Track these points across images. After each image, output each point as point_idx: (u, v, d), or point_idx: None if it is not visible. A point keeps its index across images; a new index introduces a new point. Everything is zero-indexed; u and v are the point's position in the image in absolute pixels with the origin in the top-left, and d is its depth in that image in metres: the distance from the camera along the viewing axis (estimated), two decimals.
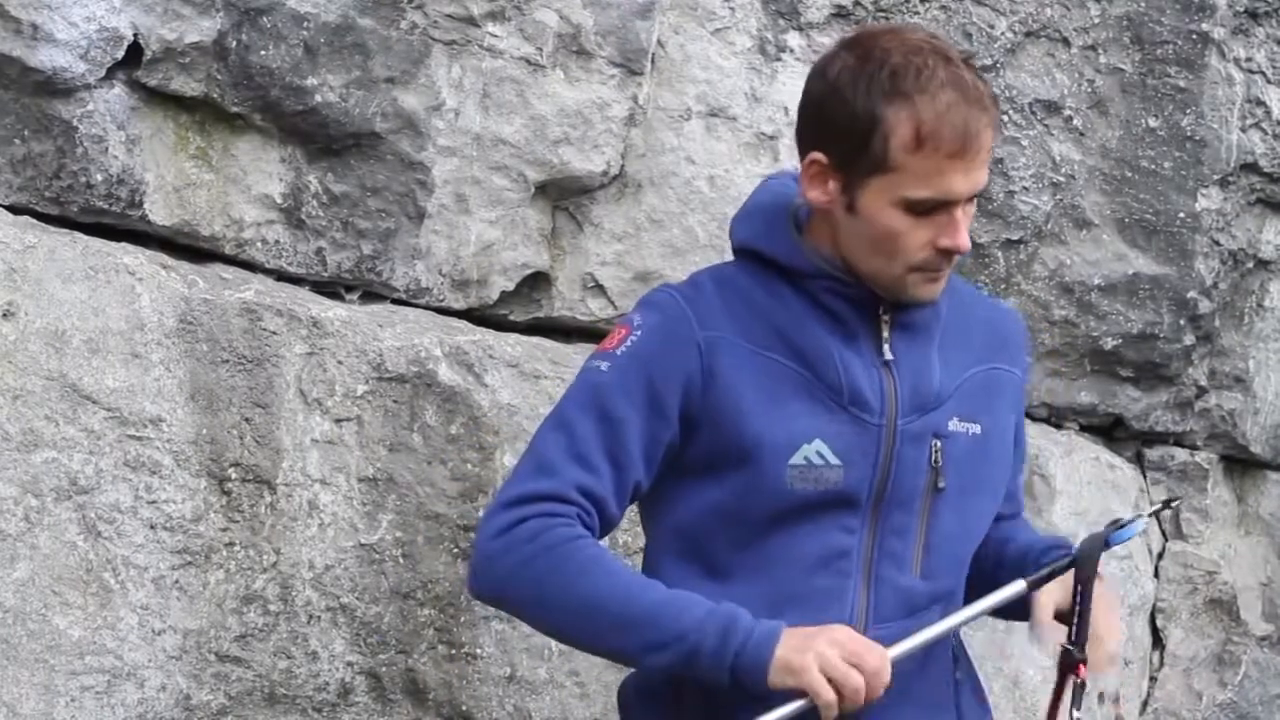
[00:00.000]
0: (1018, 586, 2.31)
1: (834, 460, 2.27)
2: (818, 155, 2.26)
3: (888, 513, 2.30)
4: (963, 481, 2.34)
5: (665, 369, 2.28)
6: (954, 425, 2.34)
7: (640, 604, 2.18)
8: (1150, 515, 2.34)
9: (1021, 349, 2.49)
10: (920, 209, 2.22)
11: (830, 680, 2.13)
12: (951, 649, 2.42)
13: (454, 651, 2.94)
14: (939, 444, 2.32)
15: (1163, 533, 3.84)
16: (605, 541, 2.35)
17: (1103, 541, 2.31)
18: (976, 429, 2.36)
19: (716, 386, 2.28)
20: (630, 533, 3.06)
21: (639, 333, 2.31)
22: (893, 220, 2.23)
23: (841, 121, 2.23)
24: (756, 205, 2.43)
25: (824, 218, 2.31)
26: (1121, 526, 2.32)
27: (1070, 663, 2.30)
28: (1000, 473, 2.43)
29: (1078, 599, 2.30)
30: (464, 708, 2.96)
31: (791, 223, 2.36)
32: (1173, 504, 2.40)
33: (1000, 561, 2.47)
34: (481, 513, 2.80)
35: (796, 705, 2.16)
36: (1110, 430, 3.79)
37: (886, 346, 2.31)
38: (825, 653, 2.13)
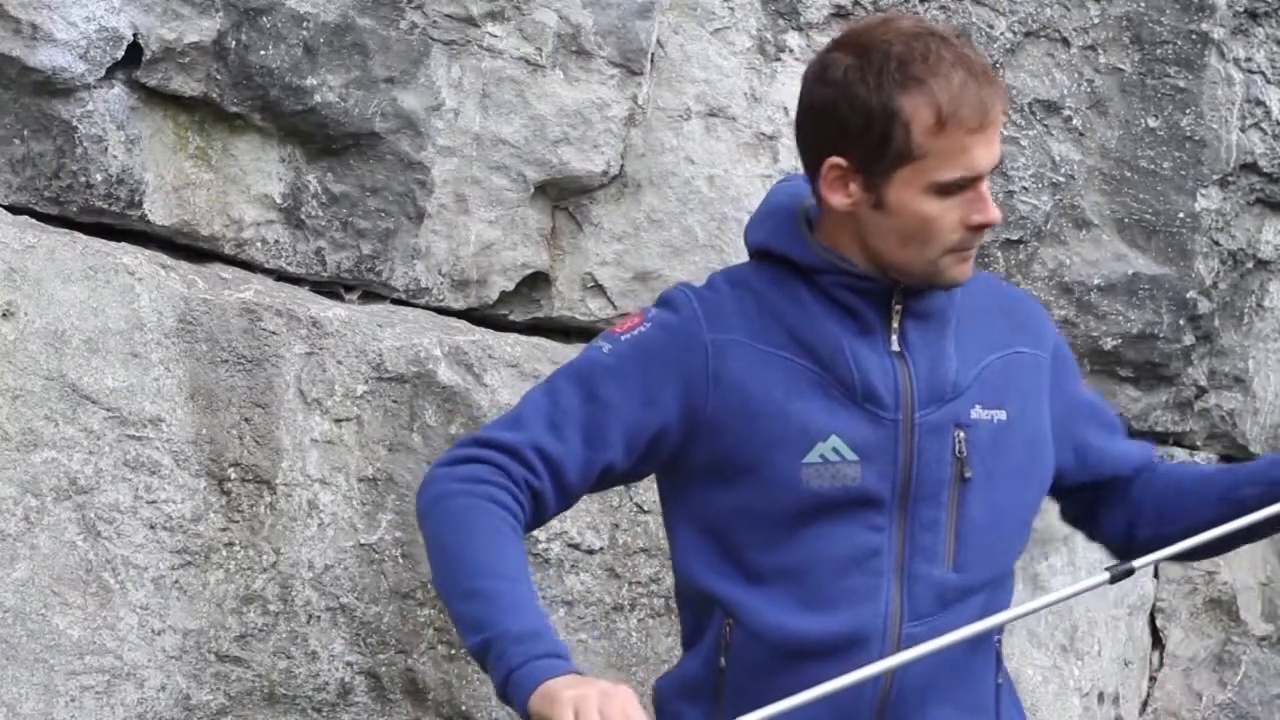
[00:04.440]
0: (1099, 578, 2.28)
1: (850, 455, 2.26)
2: (836, 160, 2.25)
3: (915, 508, 2.29)
4: (990, 469, 2.32)
5: (665, 365, 2.28)
6: (976, 413, 2.32)
7: (495, 584, 2.15)
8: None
9: (1043, 329, 2.46)
10: (949, 190, 2.22)
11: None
12: (995, 652, 2.40)
13: (454, 651, 2.94)
14: (962, 434, 2.31)
15: None
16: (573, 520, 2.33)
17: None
18: (1002, 415, 2.34)
19: (724, 388, 2.28)
20: (629, 532, 3.06)
21: (648, 325, 2.32)
22: (925, 207, 2.23)
23: (857, 121, 2.22)
24: (769, 208, 2.42)
25: (839, 217, 2.30)
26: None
27: None
28: (1036, 458, 2.40)
29: None
30: (463, 708, 2.96)
31: (803, 222, 2.35)
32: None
33: (1185, 496, 2.45)
34: None
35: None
36: None
37: (895, 337, 2.30)
38: (587, 696, 2.02)
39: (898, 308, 2.30)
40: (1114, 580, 2.28)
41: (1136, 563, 2.28)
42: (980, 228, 2.26)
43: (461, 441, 2.32)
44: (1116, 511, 2.53)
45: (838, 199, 2.27)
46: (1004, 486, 2.35)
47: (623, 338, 2.31)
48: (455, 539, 2.19)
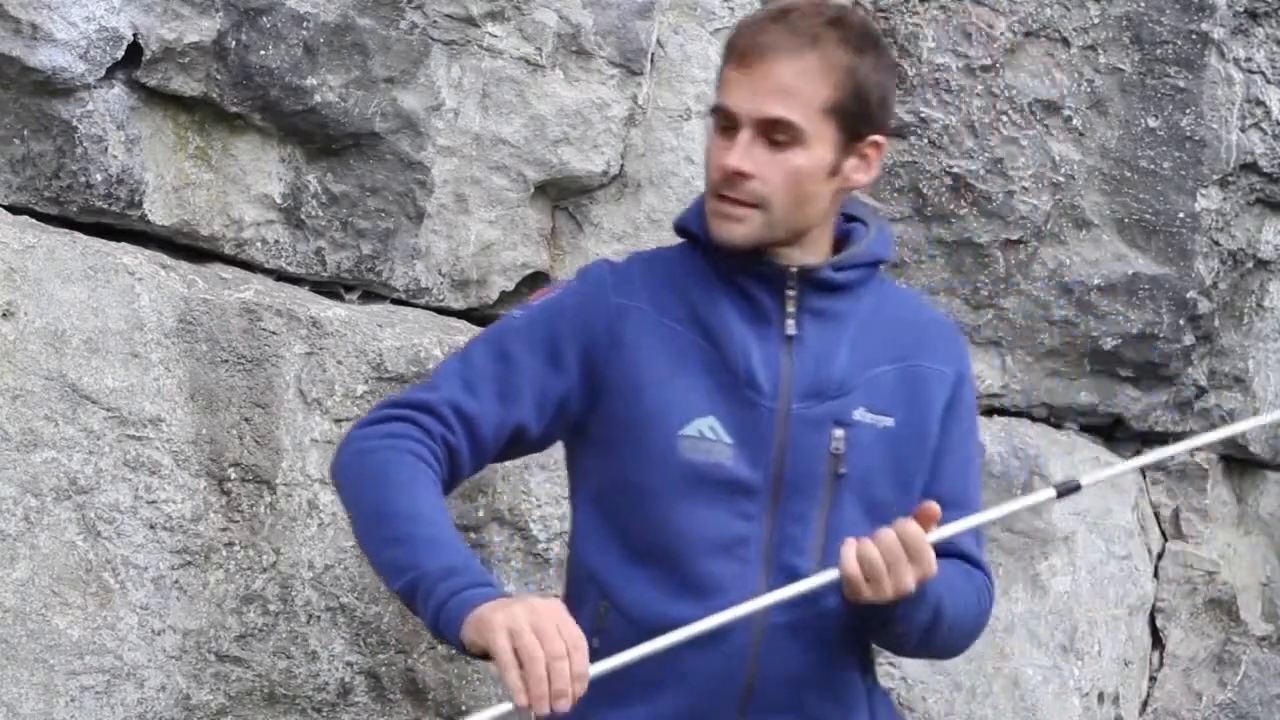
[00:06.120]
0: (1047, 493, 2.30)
1: (726, 438, 2.29)
2: None
3: (786, 499, 2.30)
4: (868, 472, 2.33)
5: (572, 325, 2.33)
6: (860, 415, 2.33)
7: (411, 528, 2.16)
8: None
9: (953, 351, 2.45)
10: (720, 123, 2.29)
11: (514, 647, 2.01)
12: (859, 660, 2.40)
13: (453, 651, 2.93)
14: (841, 432, 2.32)
15: (1162, 533, 3.84)
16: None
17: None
18: (889, 422, 2.35)
19: (622, 352, 2.32)
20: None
21: (558, 291, 2.39)
22: (710, 138, 2.32)
23: None
24: (699, 195, 2.47)
25: None
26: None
27: None
28: (917, 470, 2.38)
29: None
30: (464, 708, 2.96)
31: None
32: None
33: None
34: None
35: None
36: (1110, 430, 3.79)
37: (791, 322, 2.33)
38: (517, 615, 2.02)
39: (792, 294, 2.33)
40: (1060, 496, 2.30)
41: (1085, 479, 2.31)
42: (720, 171, 2.27)
43: (377, 406, 2.36)
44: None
45: None
46: (883, 489, 2.35)
47: (534, 303, 2.39)
48: (373, 492, 2.21)
